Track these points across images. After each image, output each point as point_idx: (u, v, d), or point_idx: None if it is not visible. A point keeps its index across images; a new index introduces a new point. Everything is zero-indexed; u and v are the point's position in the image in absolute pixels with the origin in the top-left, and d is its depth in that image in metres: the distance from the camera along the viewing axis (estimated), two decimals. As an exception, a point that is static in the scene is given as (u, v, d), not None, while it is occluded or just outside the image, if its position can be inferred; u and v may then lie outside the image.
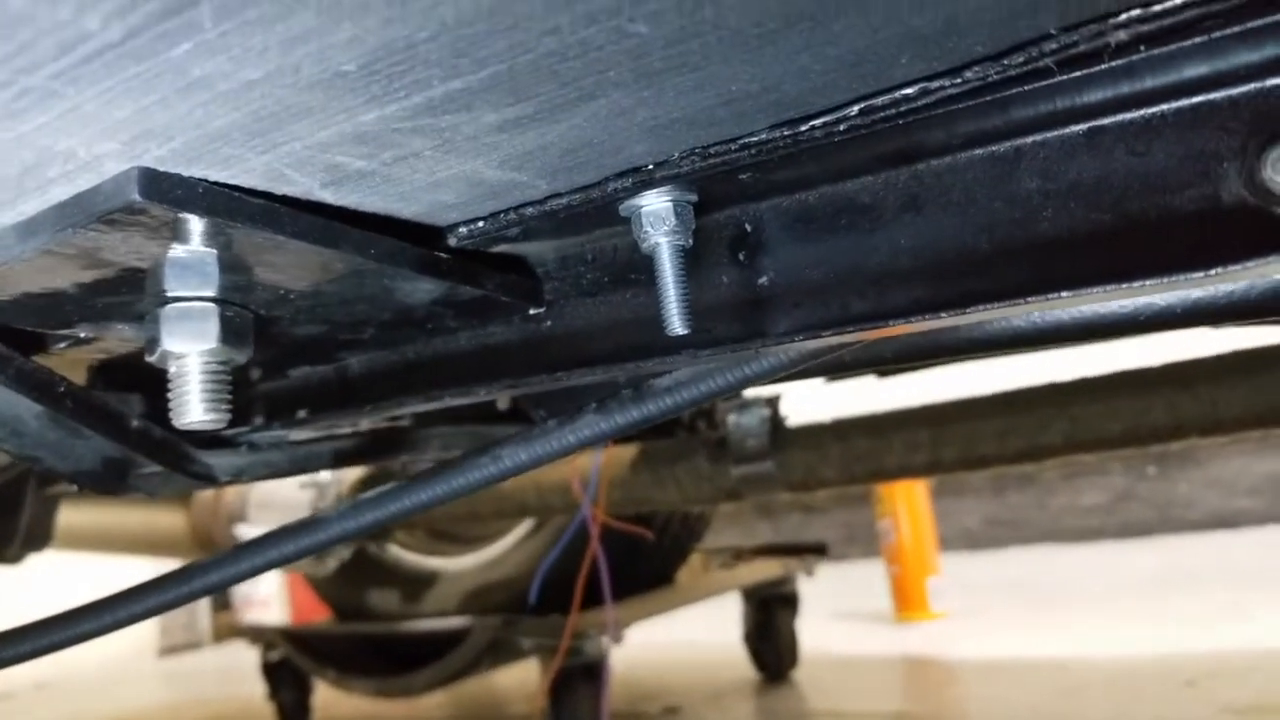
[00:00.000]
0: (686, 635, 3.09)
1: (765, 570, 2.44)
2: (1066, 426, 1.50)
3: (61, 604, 0.84)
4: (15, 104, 0.37)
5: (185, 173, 0.44)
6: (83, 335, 0.61)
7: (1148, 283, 0.41)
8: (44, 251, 0.47)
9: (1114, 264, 0.42)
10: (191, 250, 0.52)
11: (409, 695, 2.31)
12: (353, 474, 2.05)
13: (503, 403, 1.00)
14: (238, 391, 0.69)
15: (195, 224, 0.47)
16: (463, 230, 0.57)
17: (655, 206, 0.52)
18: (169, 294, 0.53)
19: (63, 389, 0.62)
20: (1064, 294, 0.42)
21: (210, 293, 0.54)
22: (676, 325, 0.52)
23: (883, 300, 0.50)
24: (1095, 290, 0.42)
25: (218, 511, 2.07)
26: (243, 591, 3.98)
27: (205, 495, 2.07)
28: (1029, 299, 0.43)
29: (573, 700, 2.02)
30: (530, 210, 0.55)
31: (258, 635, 2.59)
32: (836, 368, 0.67)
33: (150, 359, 0.55)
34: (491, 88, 0.40)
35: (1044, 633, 2.63)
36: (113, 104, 0.37)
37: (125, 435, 0.64)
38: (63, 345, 0.62)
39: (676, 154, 0.50)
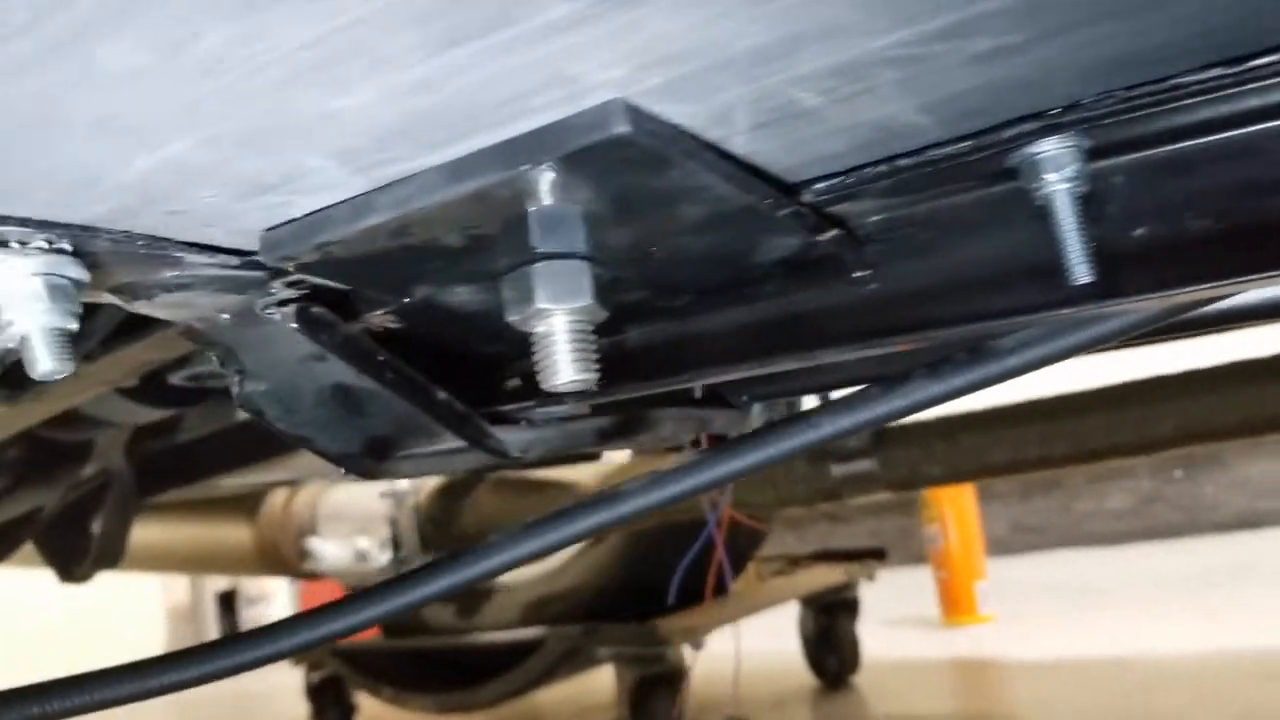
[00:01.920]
0: (743, 643, 3.06)
1: (829, 576, 2.42)
2: (1178, 419, 1.51)
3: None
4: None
5: (653, 109, 0.42)
6: (407, 300, 0.58)
7: None
8: (467, 195, 0.45)
9: None
10: (560, 203, 0.50)
11: (473, 710, 2.27)
12: (430, 483, 2.01)
13: (697, 389, 0.98)
14: (523, 364, 0.67)
15: (577, 172, 0.45)
16: (820, 185, 0.56)
17: (1055, 153, 0.51)
18: (539, 250, 0.51)
19: (382, 358, 0.59)
20: None
21: (580, 249, 0.52)
22: (1081, 273, 0.51)
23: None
24: None
25: (286, 524, 2.02)
26: (250, 597, 3.87)
27: (273, 508, 2.02)
28: None
29: (652, 709, 1.99)
30: (904, 161, 0.54)
31: (302, 655, 2.53)
32: (1166, 330, 0.66)
33: (511, 319, 0.53)
34: (1009, 11, 0.39)
35: (1094, 633, 2.64)
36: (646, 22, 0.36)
37: (433, 407, 0.61)
38: (379, 312, 0.60)
39: (1092, 96, 0.49)
